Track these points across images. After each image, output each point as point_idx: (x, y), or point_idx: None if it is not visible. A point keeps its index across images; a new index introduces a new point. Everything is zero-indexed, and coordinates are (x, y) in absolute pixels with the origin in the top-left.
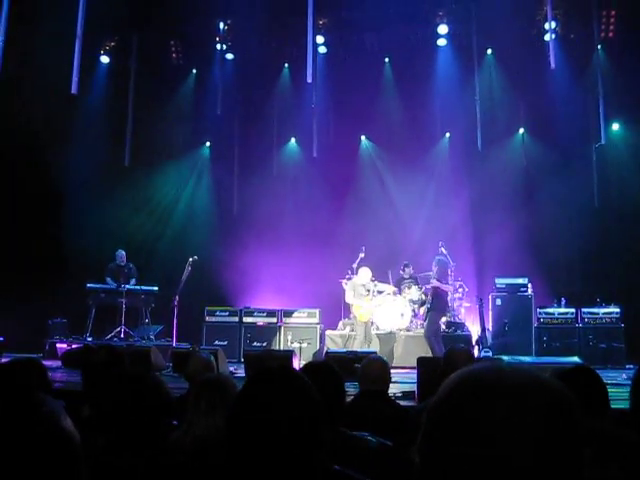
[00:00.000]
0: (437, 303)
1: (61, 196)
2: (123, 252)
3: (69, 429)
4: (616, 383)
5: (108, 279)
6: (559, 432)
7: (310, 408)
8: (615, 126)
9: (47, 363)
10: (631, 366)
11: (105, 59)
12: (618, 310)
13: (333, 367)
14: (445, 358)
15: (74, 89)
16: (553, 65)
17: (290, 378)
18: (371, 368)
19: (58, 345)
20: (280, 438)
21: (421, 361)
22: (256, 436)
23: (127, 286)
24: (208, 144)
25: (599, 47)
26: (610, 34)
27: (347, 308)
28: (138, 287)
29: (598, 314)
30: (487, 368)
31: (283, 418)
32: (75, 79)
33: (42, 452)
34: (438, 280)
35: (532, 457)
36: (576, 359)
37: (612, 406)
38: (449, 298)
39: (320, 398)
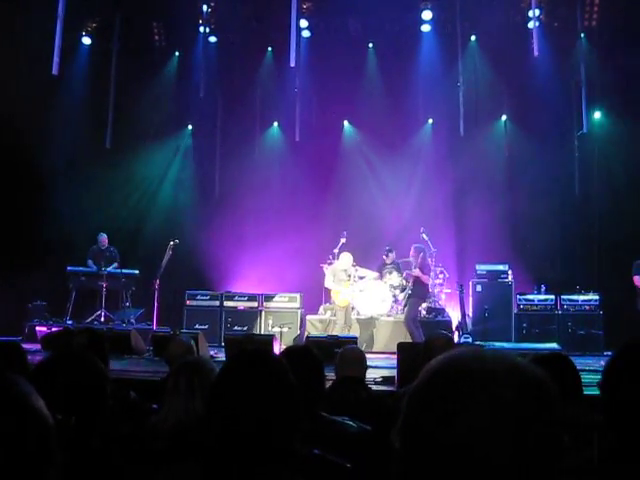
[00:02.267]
0: (418, 290)
1: (42, 178)
2: (105, 235)
3: (42, 410)
4: (594, 370)
5: (89, 262)
6: (538, 419)
7: (286, 391)
8: (597, 114)
9: (26, 346)
10: (609, 353)
11: (87, 40)
12: (597, 297)
13: (313, 352)
14: (425, 344)
15: (55, 70)
16: (536, 53)
17: (266, 361)
18: (348, 355)
19: (38, 328)
20: (257, 420)
21: (401, 346)
22: (234, 418)
23: (108, 269)
24: (190, 127)
25: (582, 35)
26: (593, 22)
27: (328, 293)
28: (119, 270)
29: (577, 301)
30: (467, 354)
31: (259, 401)
32: (56, 60)
33: (14, 432)
34: (420, 270)
35: (511, 444)
36: (555, 345)
37: (590, 392)
38: (430, 284)
39: (296, 381)
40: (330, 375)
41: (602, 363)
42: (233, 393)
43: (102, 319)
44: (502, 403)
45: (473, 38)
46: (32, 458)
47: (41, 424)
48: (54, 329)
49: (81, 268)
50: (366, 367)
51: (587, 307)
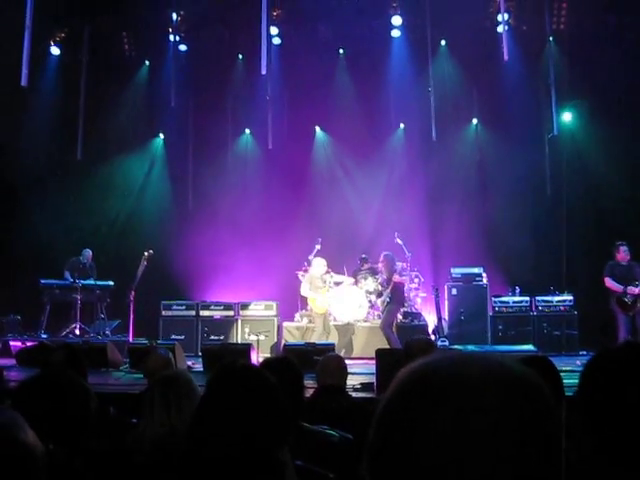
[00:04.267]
0: (396, 297)
1: (13, 191)
2: (89, 251)
3: (30, 442)
4: (570, 370)
5: (67, 273)
6: (529, 430)
7: (275, 407)
8: (567, 117)
9: (0, 361)
10: (584, 352)
11: (56, 50)
12: (571, 298)
13: (293, 362)
14: (405, 349)
15: (24, 81)
16: (506, 56)
17: (253, 376)
18: (329, 364)
19: (12, 343)
20: (245, 436)
21: (380, 353)
22: (222, 436)
23: (82, 281)
24: (162, 136)
25: (551, 39)
26: (562, 26)
27: (304, 300)
28: (93, 282)
29: (552, 302)
30: (441, 358)
31: (248, 417)
32: (25, 71)
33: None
34: (399, 274)
35: (491, 466)
36: (531, 347)
37: (567, 393)
38: (405, 288)
39: (282, 395)
40: (309, 382)
41: (578, 363)
42: (223, 409)
43: (77, 332)
44: (476, 412)
45: (443, 43)
46: None
47: (28, 458)
48: (29, 343)
49: (55, 281)
50: (347, 374)
51: (562, 308)
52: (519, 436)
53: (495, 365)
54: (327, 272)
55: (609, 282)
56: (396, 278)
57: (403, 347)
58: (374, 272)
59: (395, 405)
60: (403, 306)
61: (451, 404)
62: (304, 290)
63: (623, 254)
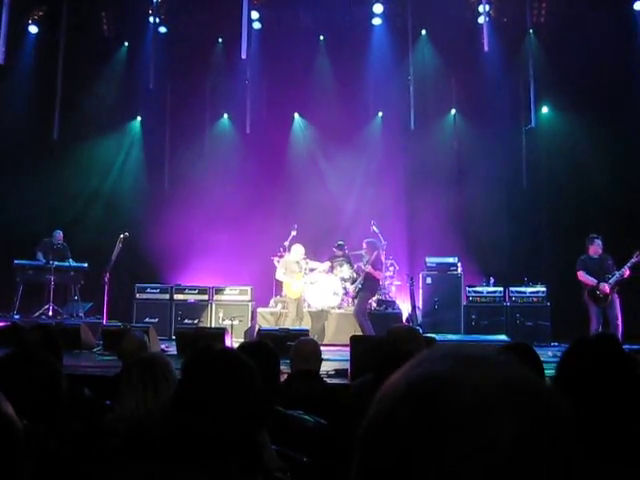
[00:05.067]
0: (369, 284)
1: None
2: (60, 232)
3: (11, 414)
4: (543, 361)
5: (39, 254)
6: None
7: (252, 389)
8: (545, 109)
9: None
10: (556, 343)
11: (33, 29)
12: (544, 289)
13: (269, 346)
14: (387, 337)
15: (1, 59)
16: (486, 48)
17: (232, 360)
18: (303, 349)
19: None
20: (223, 419)
21: (354, 339)
22: (201, 419)
23: (56, 263)
24: (139, 118)
25: (531, 31)
26: (542, 19)
27: (279, 285)
28: (67, 264)
29: (525, 293)
30: (441, 367)
31: (226, 400)
32: (2, 49)
33: None
34: (372, 266)
35: None
36: (504, 337)
37: None
38: (381, 279)
39: (260, 379)
40: (282, 368)
41: (550, 354)
42: (201, 392)
43: (50, 313)
44: (498, 442)
45: (424, 32)
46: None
47: (11, 430)
48: (1, 324)
49: (28, 262)
50: (321, 359)
51: (534, 299)
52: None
53: (511, 375)
54: (303, 258)
55: (582, 276)
56: (368, 269)
57: (385, 335)
58: (350, 260)
59: (391, 427)
60: (374, 295)
61: (465, 434)
62: (279, 274)
63: (596, 247)
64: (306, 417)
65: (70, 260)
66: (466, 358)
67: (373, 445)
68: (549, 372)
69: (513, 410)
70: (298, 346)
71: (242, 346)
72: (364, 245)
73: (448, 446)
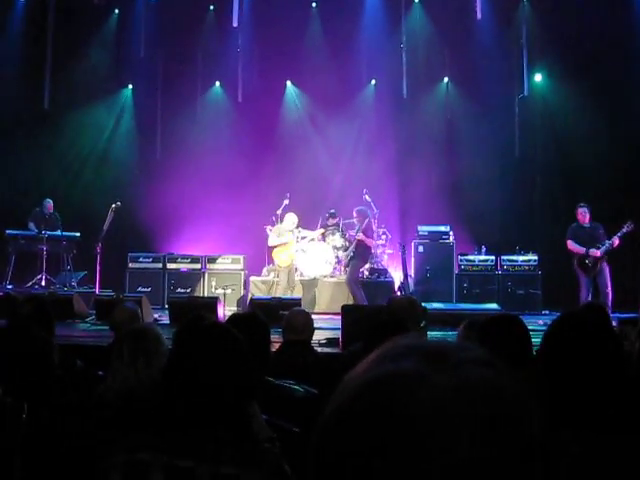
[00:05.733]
0: (360, 252)
1: None
2: (50, 202)
3: None
4: (533, 329)
5: (31, 224)
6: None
7: (241, 362)
8: (538, 77)
9: None
10: (547, 312)
11: None
12: (536, 258)
13: (259, 318)
14: (387, 307)
15: None
16: (479, 15)
17: (222, 334)
18: (295, 319)
19: None
20: (213, 390)
21: (345, 309)
22: (192, 390)
23: (48, 232)
24: (131, 87)
25: None
26: None
27: (271, 254)
28: (59, 233)
29: (517, 261)
30: (400, 367)
31: (216, 373)
32: None
33: None
34: (364, 233)
35: None
36: (495, 305)
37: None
38: (373, 246)
39: (249, 352)
40: (274, 337)
41: (541, 322)
42: (193, 365)
43: (43, 283)
44: (455, 443)
45: (417, 0)
46: None
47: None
48: None
49: (21, 231)
50: (313, 330)
51: (526, 267)
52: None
53: (476, 374)
54: (296, 227)
55: (571, 245)
56: (360, 236)
57: (386, 305)
58: (342, 228)
59: (346, 424)
60: (366, 262)
61: (422, 435)
62: (272, 240)
63: (581, 216)
64: (296, 387)
65: (61, 230)
66: (431, 355)
67: (329, 438)
68: (538, 340)
69: (468, 411)
70: (290, 317)
71: (233, 317)
72: (354, 213)
73: (405, 446)
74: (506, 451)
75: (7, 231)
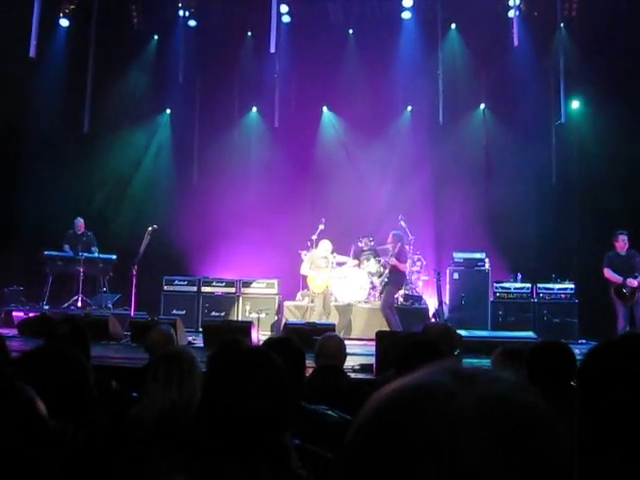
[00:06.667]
0: (394, 278)
1: (18, 161)
2: (81, 220)
3: (44, 414)
4: None
5: (66, 247)
6: None
7: (281, 389)
8: (575, 104)
9: (2, 331)
10: (584, 341)
11: (65, 22)
12: (573, 286)
13: (294, 342)
14: (423, 334)
15: (33, 53)
16: (516, 42)
17: (261, 358)
18: (328, 344)
19: (14, 313)
20: (251, 418)
21: (380, 334)
22: (230, 422)
23: (85, 254)
24: (169, 111)
25: (562, 25)
26: (573, 12)
27: (305, 279)
28: (96, 255)
29: (553, 289)
30: (430, 380)
31: (255, 400)
32: (34, 42)
33: (22, 437)
34: (397, 259)
35: None
36: (531, 334)
37: None
38: (407, 272)
39: (288, 378)
40: (308, 362)
41: (577, 352)
42: (228, 394)
43: (79, 304)
44: (464, 455)
45: (453, 26)
46: (35, 461)
47: (44, 428)
48: (31, 314)
49: (58, 253)
50: (345, 355)
51: (562, 295)
52: None
53: (499, 391)
54: (331, 253)
55: (608, 273)
56: (392, 262)
57: (421, 332)
58: (377, 253)
59: (371, 429)
60: (401, 288)
61: (435, 443)
62: (304, 268)
63: (622, 243)
64: (330, 412)
65: (95, 249)
66: (464, 375)
67: (356, 445)
68: None
69: (482, 425)
70: (323, 342)
71: (268, 341)
72: (390, 237)
73: (421, 452)
74: (521, 471)
75: (45, 252)
